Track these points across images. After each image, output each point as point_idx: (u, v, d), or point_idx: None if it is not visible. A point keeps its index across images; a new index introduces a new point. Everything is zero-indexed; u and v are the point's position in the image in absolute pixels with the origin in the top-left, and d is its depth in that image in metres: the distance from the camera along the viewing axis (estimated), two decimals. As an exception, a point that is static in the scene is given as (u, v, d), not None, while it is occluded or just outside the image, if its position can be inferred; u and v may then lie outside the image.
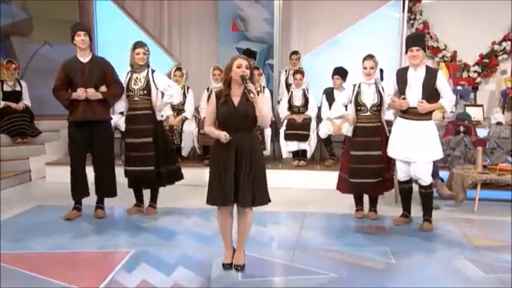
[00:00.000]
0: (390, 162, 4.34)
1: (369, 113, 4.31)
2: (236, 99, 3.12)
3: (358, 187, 4.38)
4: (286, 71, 6.86)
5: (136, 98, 4.38)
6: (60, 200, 4.50)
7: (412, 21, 7.40)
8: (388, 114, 4.45)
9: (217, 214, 3.24)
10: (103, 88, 4.31)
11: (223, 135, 3.04)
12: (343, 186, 4.50)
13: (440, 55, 7.43)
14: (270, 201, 3.18)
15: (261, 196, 3.11)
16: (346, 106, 4.54)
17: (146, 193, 4.69)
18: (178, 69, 6.29)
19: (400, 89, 4.12)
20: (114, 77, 4.36)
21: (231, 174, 3.06)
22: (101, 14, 7.34)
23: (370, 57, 4.32)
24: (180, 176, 4.69)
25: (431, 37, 7.35)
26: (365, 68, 4.30)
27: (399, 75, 4.14)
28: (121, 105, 4.50)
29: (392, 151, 4.20)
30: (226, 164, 3.07)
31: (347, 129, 4.51)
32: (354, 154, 4.34)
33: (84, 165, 4.36)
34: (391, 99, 4.18)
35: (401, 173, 4.23)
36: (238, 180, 3.05)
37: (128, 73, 4.47)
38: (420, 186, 4.19)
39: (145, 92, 4.37)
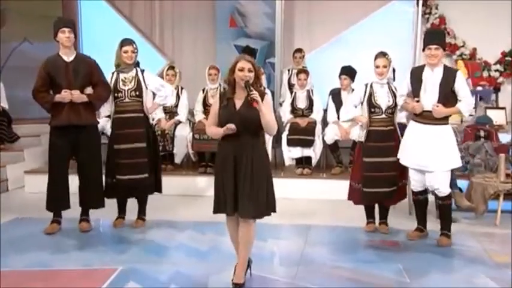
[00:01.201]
0: (404, 169, 4.33)
1: (383, 116, 4.33)
2: (238, 103, 3.18)
3: (372, 197, 4.38)
4: (288, 70, 6.88)
5: (127, 100, 4.39)
6: (41, 212, 4.49)
7: (427, 16, 7.40)
8: (400, 117, 4.47)
9: (226, 222, 3.31)
10: (89, 90, 4.32)
11: (227, 128, 3.08)
12: (355, 196, 4.49)
13: (458, 53, 7.42)
14: (273, 212, 3.22)
15: (262, 207, 3.14)
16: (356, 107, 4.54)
17: (131, 204, 4.70)
18: (171, 68, 6.32)
19: (414, 90, 4.12)
20: (101, 77, 4.37)
21: (229, 182, 3.11)
22: (86, 8, 7.35)
23: (382, 54, 4.32)
24: (159, 188, 4.65)
25: (448, 33, 7.34)
26: (377, 67, 4.31)
27: (414, 75, 4.15)
28: (106, 108, 4.51)
29: (404, 158, 4.19)
30: (226, 170, 3.14)
31: (358, 134, 4.52)
32: (368, 161, 4.34)
33: (67, 174, 4.36)
34: (405, 100, 4.19)
35: (415, 183, 4.24)
36: (238, 188, 3.10)
37: (113, 73, 4.48)
38: (437, 197, 4.20)
39: (137, 92, 4.39)
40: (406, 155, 4.19)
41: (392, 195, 4.35)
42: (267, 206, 3.18)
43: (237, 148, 3.12)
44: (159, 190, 4.67)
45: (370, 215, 4.59)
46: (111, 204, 4.62)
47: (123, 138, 4.40)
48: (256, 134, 3.19)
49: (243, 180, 3.10)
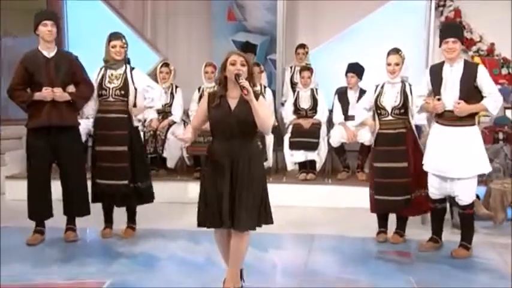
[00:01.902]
0: (423, 177, 4.28)
1: (390, 117, 4.33)
2: (233, 102, 3.15)
3: (383, 205, 4.37)
4: (291, 67, 6.87)
5: (111, 99, 4.39)
6: (23, 220, 4.48)
7: (440, 9, 7.37)
8: (420, 118, 4.45)
9: (214, 235, 3.28)
10: (71, 88, 4.31)
11: (185, 138, 3.16)
12: (371, 204, 4.50)
13: (474, 48, 7.38)
14: (270, 223, 3.20)
15: (260, 218, 3.13)
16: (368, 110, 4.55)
17: (121, 212, 4.69)
18: (165, 65, 6.33)
19: (434, 88, 4.10)
20: (84, 75, 4.36)
21: (224, 190, 3.08)
22: (72, 1, 7.31)
23: (395, 51, 4.32)
24: (150, 197, 4.65)
25: (464, 27, 7.33)
26: (389, 65, 4.31)
27: (433, 72, 4.14)
28: (91, 108, 4.50)
29: (426, 164, 4.18)
30: (220, 178, 3.10)
31: (369, 138, 4.55)
32: (377, 166, 4.36)
33: (49, 180, 4.36)
34: (425, 100, 4.17)
35: (433, 190, 4.19)
36: (233, 197, 3.08)
37: (101, 69, 4.48)
38: (459, 206, 4.17)
39: (122, 92, 4.39)
40: (427, 160, 4.17)
41: (407, 204, 4.33)
42: (266, 216, 3.17)
43: (232, 152, 3.09)
44: (151, 199, 4.65)
45: (382, 224, 4.57)
46: (99, 212, 4.61)
47: (104, 139, 4.39)
48: (252, 136, 3.18)
49: (240, 189, 3.07)
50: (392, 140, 4.31)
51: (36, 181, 4.30)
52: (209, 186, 3.14)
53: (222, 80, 3.17)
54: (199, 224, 3.20)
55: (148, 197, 4.63)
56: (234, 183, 3.09)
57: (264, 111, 3.11)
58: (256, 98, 3.07)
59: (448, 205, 4.42)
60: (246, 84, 3.03)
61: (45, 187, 4.34)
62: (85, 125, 5.15)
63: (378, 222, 4.56)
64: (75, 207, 4.43)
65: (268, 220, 3.20)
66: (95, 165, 4.47)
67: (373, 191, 4.38)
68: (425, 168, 4.17)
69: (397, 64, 4.28)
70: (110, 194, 4.45)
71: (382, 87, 4.38)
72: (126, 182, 4.38)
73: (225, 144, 3.12)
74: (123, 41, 4.42)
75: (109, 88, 4.39)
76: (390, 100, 4.33)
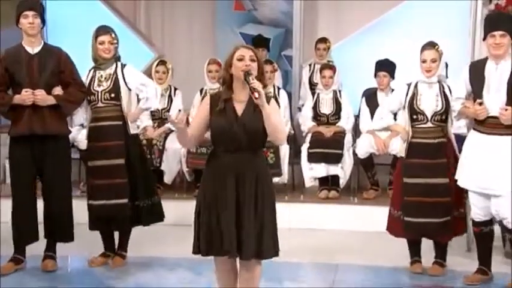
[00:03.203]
0: (462, 195, 4.29)
1: (429, 124, 4.28)
2: (240, 107, 3.11)
3: (416, 229, 4.32)
4: (310, 65, 6.85)
5: (100, 104, 4.40)
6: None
7: (489, -4, 7.35)
8: (458, 126, 4.41)
9: (215, 266, 3.25)
10: (58, 90, 4.29)
11: (179, 121, 3.03)
12: (395, 227, 4.44)
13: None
14: (277, 253, 3.18)
15: (270, 245, 3.13)
16: (395, 114, 4.50)
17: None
18: (162, 63, 6.32)
19: (475, 90, 4.08)
20: (74, 74, 4.35)
21: (230, 213, 3.06)
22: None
23: (431, 46, 4.29)
24: (159, 215, 4.69)
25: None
26: (424, 61, 4.28)
27: (474, 71, 4.12)
28: (81, 115, 4.49)
29: (464, 179, 4.15)
30: (223, 198, 3.08)
31: (399, 148, 4.48)
32: (410, 182, 4.30)
33: (34, 197, 4.37)
34: (463, 103, 4.15)
35: (476, 210, 4.16)
36: (240, 221, 3.06)
37: (90, 70, 4.49)
38: (507, 230, 4.14)
39: (112, 95, 4.39)
40: (465, 175, 4.13)
41: (446, 228, 4.29)
42: (274, 243, 3.16)
43: (237, 168, 3.07)
44: (161, 218, 4.70)
45: (415, 252, 4.52)
46: (82, 235, 4.57)
47: (97, 152, 4.40)
48: (261, 148, 3.19)
49: (247, 211, 3.06)
50: (431, 151, 4.26)
51: (21, 199, 4.31)
52: (208, 206, 3.12)
53: (227, 80, 3.13)
54: (195, 251, 3.18)
55: (156, 216, 4.66)
56: (243, 205, 3.07)
57: (277, 117, 3.09)
58: (268, 102, 3.04)
59: (498, 228, 4.38)
60: (257, 85, 2.98)
61: (30, 206, 4.34)
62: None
63: (410, 250, 4.50)
64: (58, 231, 4.40)
65: (277, 251, 3.19)
66: (88, 184, 4.50)
67: (403, 211, 4.33)
68: (460, 184, 4.16)
69: (433, 61, 4.25)
70: (106, 217, 4.45)
71: (416, 87, 4.35)
72: (125, 200, 4.38)
73: (229, 158, 3.08)
74: (113, 35, 4.41)
75: (97, 92, 4.39)
76: (430, 104, 4.28)
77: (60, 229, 4.39)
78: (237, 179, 3.07)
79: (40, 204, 4.39)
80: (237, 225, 3.05)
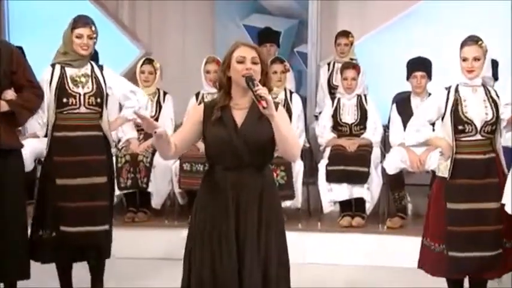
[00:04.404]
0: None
1: (478, 136, 4.20)
2: (239, 116, 3.09)
3: (463, 266, 4.22)
4: (329, 64, 6.91)
5: (83, 110, 4.41)
6: None
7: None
8: (508, 138, 4.41)
9: None
10: (10, 94, 4.23)
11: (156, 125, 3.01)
12: (433, 264, 4.34)
13: None
14: None
15: (277, 283, 3.10)
16: (433, 124, 4.46)
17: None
18: (148, 61, 6.31)
19: None
20: (30, 75, 4.31)
21: (229, 246, 3.03)
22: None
23: (473, 41, 4.21)
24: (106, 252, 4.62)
25: None
26: (464, 60, 4.19)
27: None
28: (36, 123, 4.46)
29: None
30: (222, 225, 3.05)
31: (440, 166, 4.37)
32: (455, 208, 4.20)
33: None
34: None
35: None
36: (241, 256, 3.04)
37: (52, 66, 4.44)
38: None
39: (98, 100, 4.44)
40: None
41: (497, 262, 4.21)
42: (283, 282, 3.13)
43: (237, 189, 3.05)
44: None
45: (457, 293, 4.53)
46: (43, 272, 4.49)
47: (73, 168, 4.39)
48: (266, 164, 3.18)
49: (250, 244, 3.03)
50: (481, 169, 4.20)
51: None
52: (201, 238, 3.10)
53: (224, 83, 3.10)
54: None
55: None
56: (245, 237, 3.05)
57: (287, 128, 3.06)
58: (275, 109, 3.00)
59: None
60: (264, 92, 2.91)
61: None
62: (31, 147, 5.13)
63: (450, 291, 4.56)
64: (12, 267, 4.31)
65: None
66: (49, 206, 4.43)
67: (447, 245, 4.23)
68: (507, 209, 4.04)
69: (477, 59, 4.17)
70: (82, 246, 4.46)
71: (457, 91, 4.28)
72: (106, 227, 4.44)
73: (227, 177, 3.06)
74: (93, 29, 4.41)
75: (79, 94, 4.40)
76: (479, 112, 4.19)
77: (13, 264, 4.29)
78: (238, 203, 3.06)
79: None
80: (239, 260, 3.04)
